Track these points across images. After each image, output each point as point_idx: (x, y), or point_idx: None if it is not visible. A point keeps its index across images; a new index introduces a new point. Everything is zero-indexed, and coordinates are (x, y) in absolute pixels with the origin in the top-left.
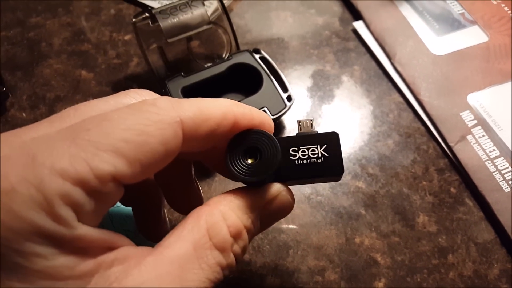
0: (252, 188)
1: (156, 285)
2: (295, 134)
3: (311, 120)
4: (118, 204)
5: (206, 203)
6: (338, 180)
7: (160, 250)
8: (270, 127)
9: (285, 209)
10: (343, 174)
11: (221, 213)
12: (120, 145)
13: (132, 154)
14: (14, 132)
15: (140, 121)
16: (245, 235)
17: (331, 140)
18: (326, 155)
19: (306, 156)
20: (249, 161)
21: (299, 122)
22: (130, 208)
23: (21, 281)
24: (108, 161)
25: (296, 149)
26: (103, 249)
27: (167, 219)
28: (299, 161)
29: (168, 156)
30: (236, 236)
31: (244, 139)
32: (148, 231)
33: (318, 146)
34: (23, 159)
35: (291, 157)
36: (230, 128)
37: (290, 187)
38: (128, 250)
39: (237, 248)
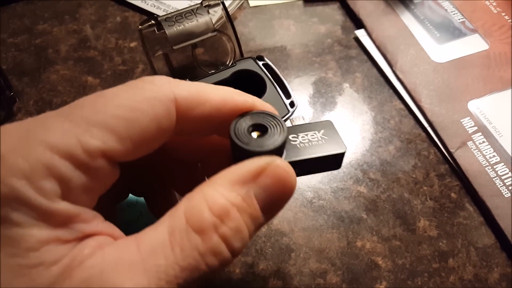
0: (239, 162)
1: (114, 265)
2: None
3: (303, 117)
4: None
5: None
6: (339, 165)
7: (133, 237)
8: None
9: (283, 183)
10: (342, 176)
11: (202, 194)
12: (111, 121)
13: (123, 130)
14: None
15: (133, 97)
16: (235, 214)
17: (327, 126)
18: (326, 137)
19: (307, 140)
20: (255, 135)
21: (291, 120)
22: (135, 199)
23: None
24: (98, 136)
25: (296, 135)
26: (87, 234)
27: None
28: (301, 144)
29: (161, 134)
30: (222, 216)
31: (248, 116)
32: (161, 212)
33: (316, 132)
34: (18, 132)
35: (291, 142)
36: (229, 114)
37: None
38: (106, 239)
39: (225, 229)
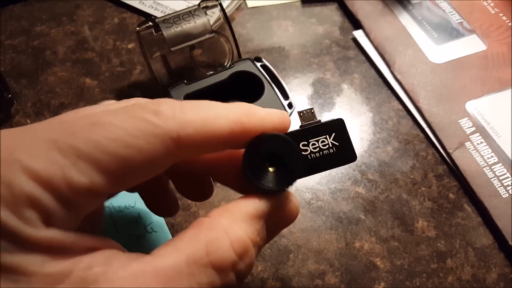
0: (258, 197)
1: None
2: (298, 127)
3: (312, 109)
4: (123, 207)
5: (209, 214)
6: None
7: (149, 259)
8: (285, 128)
9: (292, 215)
10: (341, 177)
11: (223, 226)
12: (102, 157)
13: (114, 168)
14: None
15: (131, 131)
16: (252, 251)
17: (338, 127)
18: (337, 144)
19: (318, 148)
20: (270, 169)
21: (300, 113)
22: (137, 212)
23: None
24: (85, 173)
25: (306, 143)
26: (82, 251)
27: (176, 194)
28: (312, 155)
29: (153, 170)
30: (242, 254)
31: (261, 145)
32: (157, 208)
33: (327, 136)
34: (3, 152)
35: (303, 153)
36: (239, 139)
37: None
38: (113, 253)
39: (242, 265)
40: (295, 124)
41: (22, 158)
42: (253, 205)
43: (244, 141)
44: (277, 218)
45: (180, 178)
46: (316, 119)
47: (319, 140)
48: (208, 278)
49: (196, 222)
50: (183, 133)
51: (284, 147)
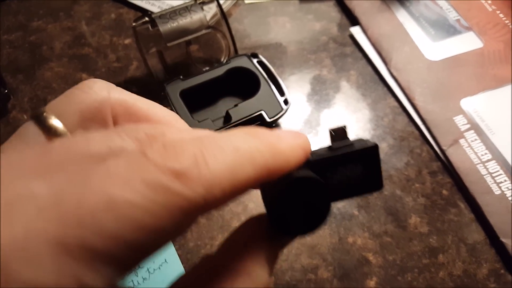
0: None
1: None
2: (327, 147)
3: (345, 127)
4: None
5: (222, 252)
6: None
7: None
8: (306, 155)
9: None
10: None
11: (249, 275)
12: (120, 252)
13: (132, 259)
14: None
15: (155, 211)
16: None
17: (371, 155)
18: (366, 171)
19: (345, 177)
20: (298, 214)
21: (331, 131)
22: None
23: None
24: (103, 274)
25: (334, 171)
26: None
27: None
28: (338, 183)
29: (168, 242)
30: None
31: (285, 192)
32: None
33: (358, 164)
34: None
35: (329, 178)
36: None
37: None
38: None
39: None
40: (293, 122)
41: (22, 276)
42: (276, 246)
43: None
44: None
45: None
46: (348, 140)
47: (347, 168)
48: None
49: (214, 267)
50: (210, 197)
51: (314, 190)
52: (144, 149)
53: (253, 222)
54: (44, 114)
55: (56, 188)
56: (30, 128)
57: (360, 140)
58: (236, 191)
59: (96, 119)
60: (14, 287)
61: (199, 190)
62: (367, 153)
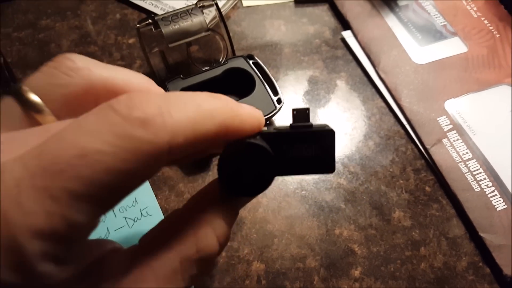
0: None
1: None
2: (289, 125)
3: (307, 110)
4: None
5: (190, 207)
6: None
7: (146, 261)
8: (260, 126)
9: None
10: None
11: (209, 222)
12: (97, 192)
13: (109, 197)
14: None
15: (123, 156)
16: (229, 238)
17: (327, 139)
18: (320, 153)
19: (300, 153)
20: (243, 176)
21: (294, 110)
22: (133, 197)
23: None
24: (85, 211)
25: (291, 146)
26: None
27: None
28: (290, 156)
29: (143, 182)
30: (224, 244)
31: (236, 153)
32: None
33: (313, 145)
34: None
35: (283, 152)
36: (222, 138)
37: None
38: (114, 260)
39: (221, 251)
40: (286, 120)
41: (20, 220)
42: (233, 209)
43: (222, 142)
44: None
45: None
46: (309, 122)
47: (303, 146)
48: (198, 270)
49: (181, 216)
50: (173, 143)
51: (259, 156)
52: (112, 103)
53: (216, 182)
54: (23, 89)
55: (37, 149)
56: (10, 106)
57: (321, 125)
58: (197, 142)
59: (82, 104)
60: (14, 233)
61: (163, 136)
62: (324, 136)
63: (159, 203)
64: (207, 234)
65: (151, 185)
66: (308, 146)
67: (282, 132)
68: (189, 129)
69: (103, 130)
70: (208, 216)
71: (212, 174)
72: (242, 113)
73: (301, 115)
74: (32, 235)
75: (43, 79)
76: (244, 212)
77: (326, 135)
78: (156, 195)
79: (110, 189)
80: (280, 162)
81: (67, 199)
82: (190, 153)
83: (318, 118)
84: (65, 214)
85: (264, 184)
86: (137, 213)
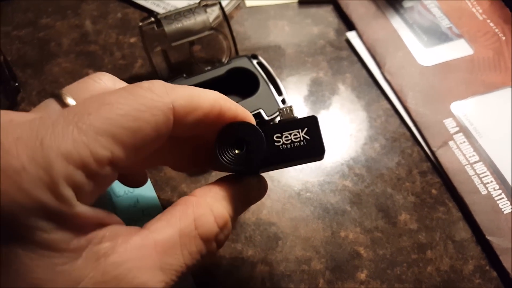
0: (235, 178)
1: (138, 264)
2: (277, 122)
3: (291, 107)
4: (122, 193)
5: (193, 193)
6: (320, 159)
7: (146, 233)
8: (251, 121)
9: (260, 197)
10: (329, 170)
11: (208, 204)
12: (117, 131)
13: (127, 139)
14: (21, 114)
15: (136, 106)
16: (229, 224)
17: (311, 123)
18: (308, 137)
19: (289, 140)
20: (237, 151)
21: (280, 110)
22: (135, 198)
23: (24, 250)
24: (106, 146)
25: (279, 135)
26: (95, 226)
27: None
28: (283, 146)
29: (158, 140)
30: (222, 227)
31: (230, 131)
32: (128, 180)
33: (300, 130)
34: (32, 142)
35: (275, 143)
36: (215, 119)
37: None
38: (117, 229)
39: (222, 236)
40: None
41: (52, 142)
42: (233, 187)
43: (218, 120)
44: (249, 196)
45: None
46: (294, 116)
47: (292, 133)
48: (197, 248)
49: (183, 200)
50: (177, 103)
51: (251, 133)
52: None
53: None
54: (63, 93)
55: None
56: (51, 102)
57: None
58: (197, 110)
59: None
60: (50, 153)
61: (166, 97)
62: (308, 122)
63: (161, 204)
64: (206, 213)
65: (153, 186)
66: (296, 133)
67: (271, 124)
68: (187, 96)
69: (122, 91)
70: (208, 200)
71: (215, 174)
72: (234, 102)
73: (286, 112)
74: (60, 156)
75: (78, 87)
76: (248, 213)
77: (310, 120)
78: (158, 196)
79: (126, 131)
80: (273, 150)
81: (92, 132)
82: (191, 125)
83: (323, 119)
84: (88, 144)
85: (254, 157)
86: (138, 213)
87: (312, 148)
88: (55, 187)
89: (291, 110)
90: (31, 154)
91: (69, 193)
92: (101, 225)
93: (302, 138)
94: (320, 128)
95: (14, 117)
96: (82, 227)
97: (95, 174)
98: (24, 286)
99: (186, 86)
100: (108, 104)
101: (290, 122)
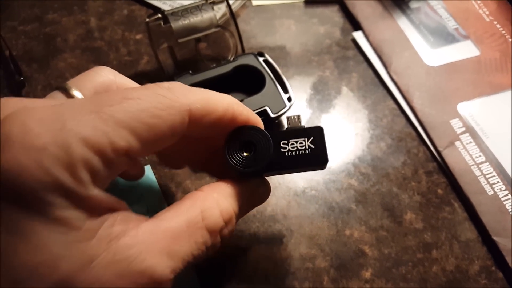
0: (240, 179)
1: (148, 248)
2: (285, 129)
3: (299, 116)
4: (129, 186)
5: (201, 188)
6: (323, 169)
7: (156, 221)
8: (261, 127)
9: (264, 197)
10: (335, 169)
11: (215, 199)
12: (136, 125)
13: (144, 134)
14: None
15: (155, 104)
16: (233, 220)
17: (317, 133)
18: (313, 147)
19: (295, 148)
20: (245, 154)
21: (288, 118)
22: (140, 193)
23: (43, 224)
24: (124, 137)
25: (286, 142)
26: (107, 210)
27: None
28: (289, 152)
29: (172, 138)
30: (227, 221)
31: (240, 134)
32: (125, 173)
33: (306, 139)
34: (55, 124)
35: (281, 149)
36: (228, 122)
37: (280, 176)
38: (128, 215)
39: (226, 231)
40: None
41: (74, 127)
42: (239, 186)
43: (230, 124)
44: (253, 197)
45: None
46: (301, 125)
47: (298, 141)
48: (203, 238)
49: (191, 194)
50: (193, 106)
51: (259, 137)
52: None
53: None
54: (68, 86)
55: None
56: (57, 94)
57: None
58: (211, 114)
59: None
60: (71, 137)
61: (184, 99)
62: (314, 131)
63: (166, 200)
64: (212, 207)
65: (158, 182)
66: (302, 141)
67: (279, 131)
68: (203, 100)
69: (143, 89)
70: (215, 195)
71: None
72: (246, 108)
73: (294, 120)
74: (80, 140)
75: (81, 79)
76: (252, 211)
77: (316, 130)
78: (163, 192)
79: (144, 126)
80: (279, 156)
81: (112, 123)
82: (205, 125)
83: (328, 118)
84: (108, 133)
85: (261, 160)
86: (143, 209)
87: (316, 157)
88: (73, 168)
89: (299, 119)
90: (53, 135)
91: (85, 176)
92: (113, 210)
93: (307, 147)
94: (325, 138)
95: (27, 103)
96: (95, 209)
97: (111, 162)
98: (42, 259)
99: (203, 89)
100: (130, 99)
101: (297, 130)
